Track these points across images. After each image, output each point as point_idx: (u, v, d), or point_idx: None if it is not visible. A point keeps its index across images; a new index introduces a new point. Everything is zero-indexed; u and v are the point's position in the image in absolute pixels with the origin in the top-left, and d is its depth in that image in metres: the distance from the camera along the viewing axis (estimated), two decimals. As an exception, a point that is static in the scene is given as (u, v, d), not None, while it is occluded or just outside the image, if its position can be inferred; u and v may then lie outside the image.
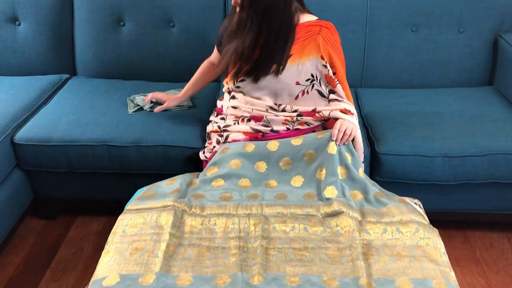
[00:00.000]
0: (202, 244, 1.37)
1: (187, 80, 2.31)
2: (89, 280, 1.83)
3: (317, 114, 1.66)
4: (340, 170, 1.59)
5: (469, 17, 2.22)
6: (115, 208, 2.08)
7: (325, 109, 1.66)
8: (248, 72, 1.66)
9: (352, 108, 1.67)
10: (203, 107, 2.12)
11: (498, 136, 1.83)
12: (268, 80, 1.66)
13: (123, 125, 1.95)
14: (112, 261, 1.33)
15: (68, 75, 2.40)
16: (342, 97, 1.67)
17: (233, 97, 1.76)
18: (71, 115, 2.01)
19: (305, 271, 1.28)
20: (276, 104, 1.70)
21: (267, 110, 1.70)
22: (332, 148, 1.59)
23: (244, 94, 1.73)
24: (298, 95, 1.68)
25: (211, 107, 2.13)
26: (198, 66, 2.30)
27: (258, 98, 1.71)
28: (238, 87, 1.72)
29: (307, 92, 1.68)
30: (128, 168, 1.93)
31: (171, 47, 2.33)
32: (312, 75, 1.65)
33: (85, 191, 2.06)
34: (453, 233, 2.07)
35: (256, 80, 1.67)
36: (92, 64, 2.37)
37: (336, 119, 1.64)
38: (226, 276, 1.27)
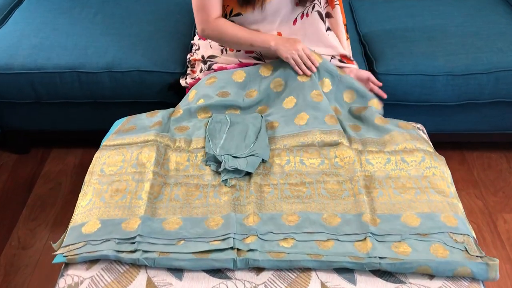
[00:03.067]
0: (189, 183, 1.25)
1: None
2: (69, 218, 1.74)
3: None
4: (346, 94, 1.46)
5: None
6: (92, 140, 1.94)
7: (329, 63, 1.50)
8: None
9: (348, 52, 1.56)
10: (183, 25, 1.90)
11: (506, 50, 1.68)
12: (274, 7, 1.43)
13: (93, 48, 1.74)
14: (90, 204, 1.20)
15: (26, -9, 2.11)
16: (339, 24, 1.51)
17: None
18: (32, 38, 1.78)
19: (304, 208, 1.18)
20: None
21: None
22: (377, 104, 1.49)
23: None
24: (296, 18, 1.48)
25: (192, 25, 1.92)
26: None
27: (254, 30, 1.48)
28: (231, 21, 1.45)
29: (307, 15, 1.48)
30: (102, 97, 1.75)
31: (142, -45, 2.04)
32: None
33: (58, 122, 1.89)
34: (450, 154, 1.99)
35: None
36: (53, -23, 2.09)
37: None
38: (218, 217, 1.16)
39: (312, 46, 1.48)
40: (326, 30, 1.50)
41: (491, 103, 1.74)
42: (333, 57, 1.51)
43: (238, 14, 1.44)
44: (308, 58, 1.42)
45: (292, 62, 1.41)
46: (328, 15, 1.50)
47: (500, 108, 1.77)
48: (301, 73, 1.43)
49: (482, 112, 1.79)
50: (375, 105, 1.48)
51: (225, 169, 1.25)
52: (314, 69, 1.43)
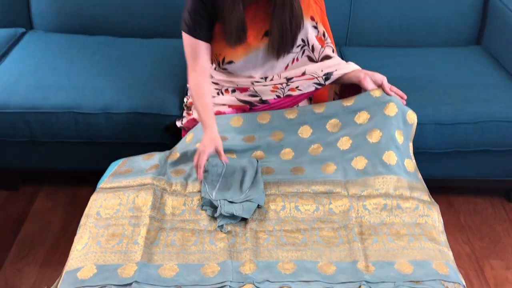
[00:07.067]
0: (185, 228, 1.26)
1: (158, 36, 2.13)
2: (59, 257, 1.72)
3: (308, 75, 1.53)
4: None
5: (460, -29, 2.09)
6: (84, 179, 1.94)
7: (316, 68, 1.54)
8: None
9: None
10: (180, 67, 1.94)
11: (491, 102, 1.76)
12: (265, 54, 1.49)
13: (90, 88, 1.77)
14: (86, 248, 1.20)
15: (24, 29, 2.14)
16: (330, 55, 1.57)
17: (210, 76, 1.55)
18: (30, 77, 1.80)
19: (299, 256, 1.19)
20: (262, 78, 1.55)
21: (252, 83, 1.55)
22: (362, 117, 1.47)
23: (228, 73, 1.55)
24: (288, 64, 1.54)
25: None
26: (169, 19, 2.11)
27: (247, 77, 1.55)
28: (224, 68, 1.52)
29: (297, 59, 1.54)
30: (97, 137, 1.77)
31: (140, -2, 2.11)
32: (303, 40, 1.50)
33: (51, 161, 1.89)
34: (437, 198, 1.98)
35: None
36: (51, 17, 2.13)
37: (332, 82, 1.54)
38: (214, 264, 1.16)
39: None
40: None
41: (478, 151, 1.80)
42: (327, 75, 1.53)
43: (230, 62, 1.50)
44: (198, 167, 1.33)
45: (197, 152, 1.36)
46: (327, 57, 1.55)
47: (486, 156, 1.83)
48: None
49: (469, 159, 1.85)
50: (392, 109, 1.44)
51: (221, 214, 1.27)
52: (198, 177, 1.35)
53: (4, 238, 1.80)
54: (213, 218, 1.28)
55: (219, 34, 1.46)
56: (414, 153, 1.79)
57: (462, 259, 1.79)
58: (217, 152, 1.37)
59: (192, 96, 1.50)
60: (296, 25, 1.44)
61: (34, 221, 1.88)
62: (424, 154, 1.80)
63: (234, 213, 1.26)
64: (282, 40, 1.45)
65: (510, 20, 1.99)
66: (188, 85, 1.54)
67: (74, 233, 1.27)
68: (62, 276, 1.15)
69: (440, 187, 2.05)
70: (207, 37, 1.47)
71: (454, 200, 2.04)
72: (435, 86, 1.84)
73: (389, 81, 1.91)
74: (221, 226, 1.26)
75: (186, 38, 1.47)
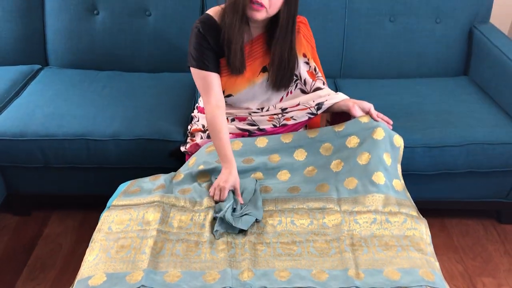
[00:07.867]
0: (190, 239, 1.36)
1: (164, 70, 2.28)
2: (69, 278, 1.81)
3: (301, 105, 1.65)
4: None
5: (446, 8, 2.25)
6: (93, 203, 2.03)
7: (308, 99, 1.67)
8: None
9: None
10: (184, 98, 2.08)
11: (475, 126, 1.87)
12: (262, 89, 1.63)
13: (101, 117, 1.90)
14: (97, 259, 1.29)
15: (40, 66, 2.30)
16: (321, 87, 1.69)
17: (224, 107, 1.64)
18: (45, 108, 1.94)
19: (294, 265, 1.28)
20: (259, 109, 1.68)
21: (250, 114, 1.68)
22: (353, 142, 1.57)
23: (227, 105, 1.66)
24: (282, 97, 1.67)
25: (192, 98, 2.10)
26: (173, 55, 2.26)
27: (245, 108, 1.67)
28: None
29: (291, 92, 1.67)
30: (107, 162, 1.88)
31: (147, 36, 2.27)
32: (296, 75, 1.64)
33: (62, 186, 2.00)
34: (431, 221, 2.07)
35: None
36: (65, 54, 2.29)
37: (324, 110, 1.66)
38: (215, 272, 1.25)
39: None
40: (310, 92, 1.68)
41: (465, 173, 1.90)
42: (319, 104, 1.64)
43: (229, 95, 1.63)
44: (220, 196, 1.45)
45: (213, 186, 1.48)
46: (318, 89, 1.68)
47: (474, 178, 1.93)
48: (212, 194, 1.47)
49: (457, 181, 1.94)
50: (379, 133, 1.55)
51: (220, 218, 1.36)
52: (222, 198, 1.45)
53: (16, 260, 1.89)
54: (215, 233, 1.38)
55: (221, 68, 1.59)
56: (405, 175, 1.89)
57: (456, 277, 1.86)
58: (234, 190, 1.48)
59: (210, 131, 1.55)
60: (292, 60, 1.58)
61: (45, 244, 1.97)
62: (414, 176, 1.90)
63: (233, 224, 1.36)
64: (281, 72, 1.58)
65: (492, 53, 2.14)
66: (205, 120, 1.62)
67: (83, 255, 1.35)
68: (74, 284, 1.24)
69: (433, 210, 2.13)
70: (215, 68, 1.55)
71: (448, 223, 2.12)
72: (424, 112, 1.97)
73: (381, 108, 2.04)
74: (216, 232, 1.35)
75: (195, 72, 1.56)
